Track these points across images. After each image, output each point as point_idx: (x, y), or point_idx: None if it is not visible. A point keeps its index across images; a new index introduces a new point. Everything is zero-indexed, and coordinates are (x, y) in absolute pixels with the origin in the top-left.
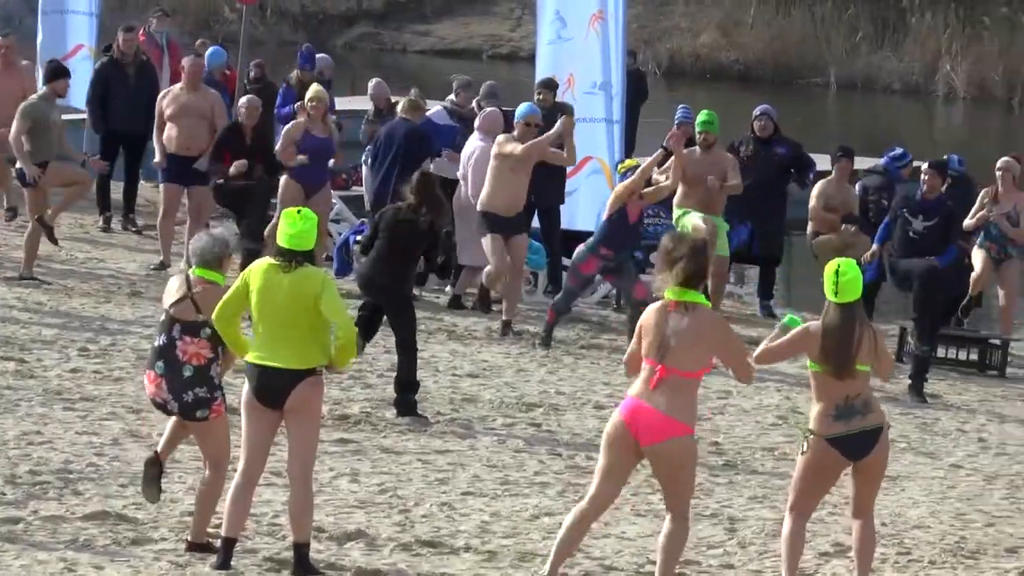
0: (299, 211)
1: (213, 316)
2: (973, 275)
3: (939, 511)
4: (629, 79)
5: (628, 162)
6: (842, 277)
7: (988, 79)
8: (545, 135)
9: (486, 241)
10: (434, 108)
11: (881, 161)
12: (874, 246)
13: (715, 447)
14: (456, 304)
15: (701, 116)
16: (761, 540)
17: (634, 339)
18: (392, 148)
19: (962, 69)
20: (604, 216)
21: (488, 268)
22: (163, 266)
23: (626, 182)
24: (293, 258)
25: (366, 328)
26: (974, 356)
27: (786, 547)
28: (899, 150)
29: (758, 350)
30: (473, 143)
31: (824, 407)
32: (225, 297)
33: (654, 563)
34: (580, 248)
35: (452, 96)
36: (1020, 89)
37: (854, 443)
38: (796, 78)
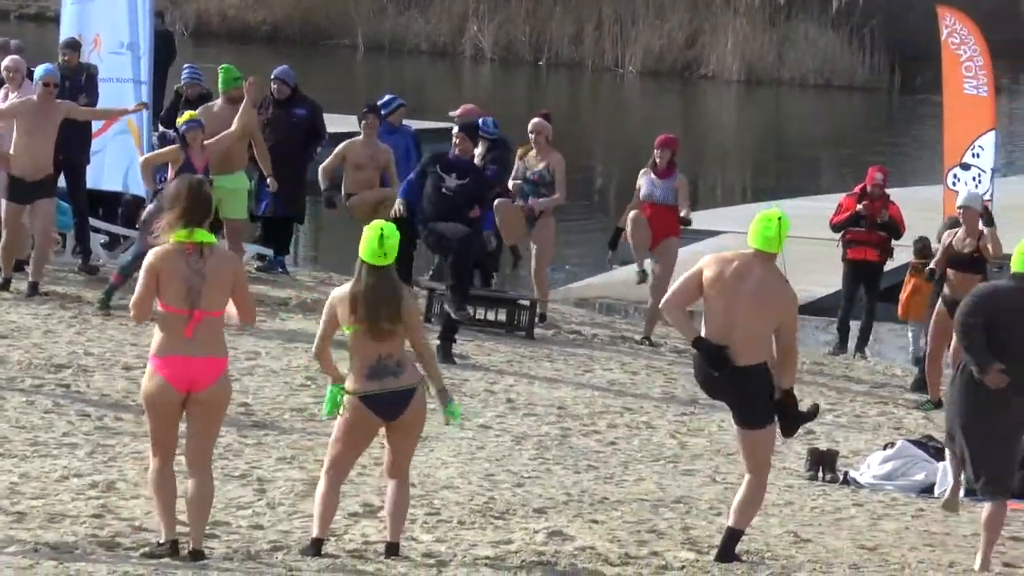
0: None
1: None
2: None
3: (468, 472)
4: (157, 40)
5: (189, 113)
6: (387, 240)
7: (515, 40)
8: (82, 108)
9: (2, 207)
10: None
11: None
12: (398, 203)
13: (244, 408)
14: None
15: (232, 72)
16: (290, 501)
17: (144, 284)
18: None
19: (489, 31)
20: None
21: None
22: None
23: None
24: None
25: None
26: (502, 317)
27: (320, 506)
28: (387, 96)
29: (316, 349)
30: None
31: (358, 366)
32: None
33: (187, 524)
34: (149, 207)
35: None
36: (547, 50)
37: (387, 402)
38: (324, 39)
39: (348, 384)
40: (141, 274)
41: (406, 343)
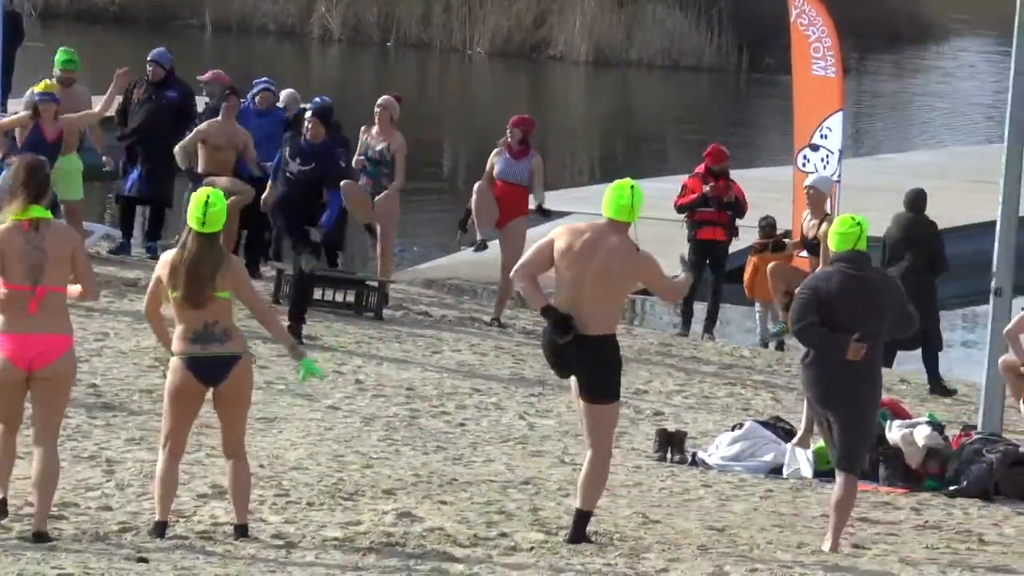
0: None
1: None
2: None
3: (317, 453)
4: (5, 20)
5: (45, 83)
6: (211, 208)
7: (363, 21)
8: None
9: None
10: None
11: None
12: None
13: (93, 389)
14: None
15: (62, 56)
16: (139, 482)
17: None
18: None
19: (337, 11)
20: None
21: None
22: None
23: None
24: None
25: None
26: (351, 298)
27: (159, 486)
28: (262, 80)
29: (145, 310)
30: None
31: (183, 331)
32: None
33: (32, 504)
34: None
35: None
36: (395, 31)
37: (209, 367)
38: (171, 19)
39: (173, 346)
40: None
41: (233, 312)
